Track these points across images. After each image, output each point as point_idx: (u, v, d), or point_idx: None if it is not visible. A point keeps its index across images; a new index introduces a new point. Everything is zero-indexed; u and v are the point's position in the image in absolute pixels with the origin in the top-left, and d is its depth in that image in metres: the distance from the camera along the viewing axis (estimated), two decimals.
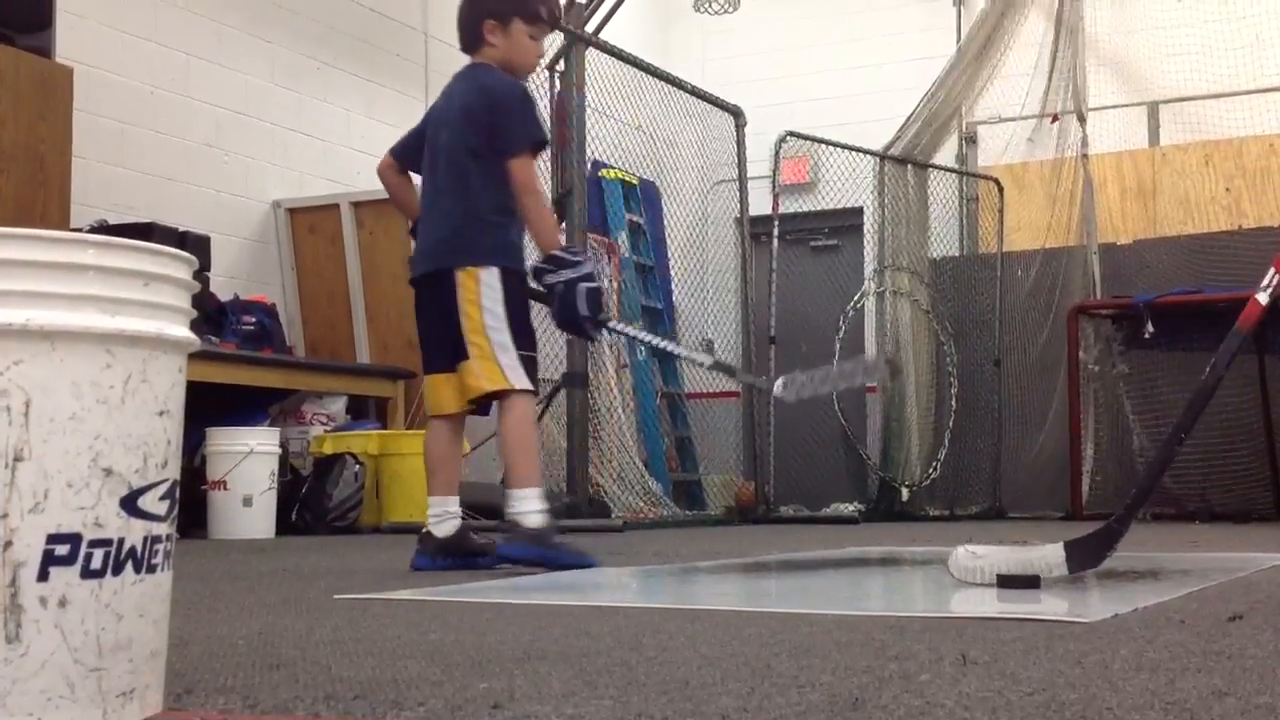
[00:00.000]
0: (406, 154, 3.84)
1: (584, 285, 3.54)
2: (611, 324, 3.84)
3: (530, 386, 3.58)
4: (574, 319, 3.58)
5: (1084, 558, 2.62)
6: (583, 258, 3.67)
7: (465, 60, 3.83)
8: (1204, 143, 9.35)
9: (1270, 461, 8.21)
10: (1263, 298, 2.62)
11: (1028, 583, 2.97)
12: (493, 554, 3.60)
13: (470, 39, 3.76)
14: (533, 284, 3.66)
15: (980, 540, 5.11)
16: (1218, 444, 8.41)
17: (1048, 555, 2.62)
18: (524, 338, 3.60)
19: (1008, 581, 2.96)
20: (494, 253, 3.58)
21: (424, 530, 3.62)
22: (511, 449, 3.58)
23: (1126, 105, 9.63)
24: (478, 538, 3.67)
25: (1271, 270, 2.59)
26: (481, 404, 3.62)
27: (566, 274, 3.54)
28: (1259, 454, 8.30)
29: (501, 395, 3.54)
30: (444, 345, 3.60)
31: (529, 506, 3.52)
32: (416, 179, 3.88)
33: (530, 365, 3.61)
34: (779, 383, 3.69)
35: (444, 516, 3.60)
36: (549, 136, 3.69)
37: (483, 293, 3.53)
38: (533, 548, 3.49)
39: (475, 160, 3.60)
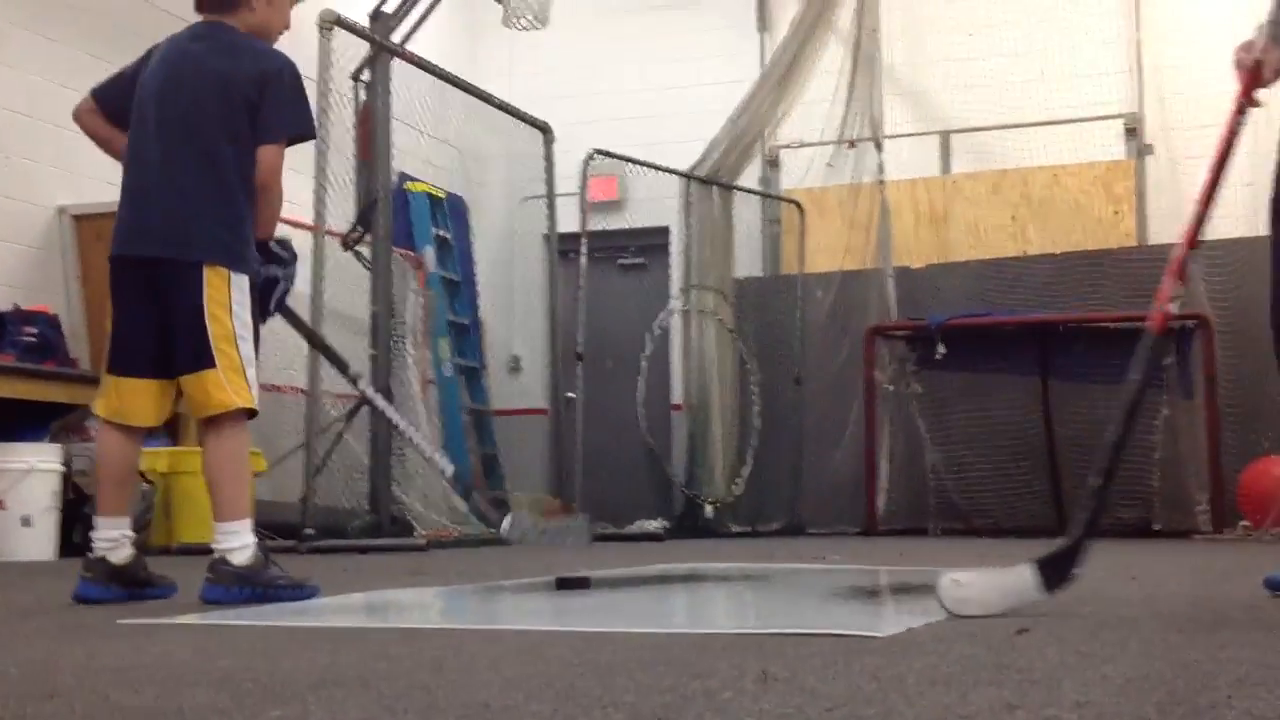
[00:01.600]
0: (112, 102, 3.42)
1: (282, 288, 3.42)
2: (286, 314, 3.60)
3: (257, 409, 3.26)
4: (262, 311, 3.38)
5: (1056, 576, 2.65)
6: (293, 254, 3.47)
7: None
8: (993, 172, 9.75)
9: (1052, 478, 8.59)
10: (1173, 308, 2.71)
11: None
12: (167, 585, 3.31)
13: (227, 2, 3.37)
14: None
15: (781, 556, 5.19)
16: (1004, 462, 8.78)
17: (1023, 578, 2.64)
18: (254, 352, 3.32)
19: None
20: (245, 257, 3.25)
21: (95, 555, 3.21)
22: (230, 476, 3.21)
23: (920, 134, 9.98)
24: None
25: (1169, 278, 2.69)
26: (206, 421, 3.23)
27: (275, 270, 3.38)
28: (1042, 472, 8.67)
29: (232, 413, 3.19)
30: (153, 345, 3.23)
31: (239, 541, 3.16)
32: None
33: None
34: (504, 525, 3.64)
35: (120, 541, 3.23)
36: (315, 131, 3.40)
37: (234, 298, 3.18)
38: (244, 588, 3.11)
39: (232, 143, 3.24)
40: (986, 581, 2.67)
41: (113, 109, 3.42)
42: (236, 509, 3.20)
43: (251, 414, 3.23)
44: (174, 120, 3.28)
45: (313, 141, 6.35)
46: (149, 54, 3.46)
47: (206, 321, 3.15)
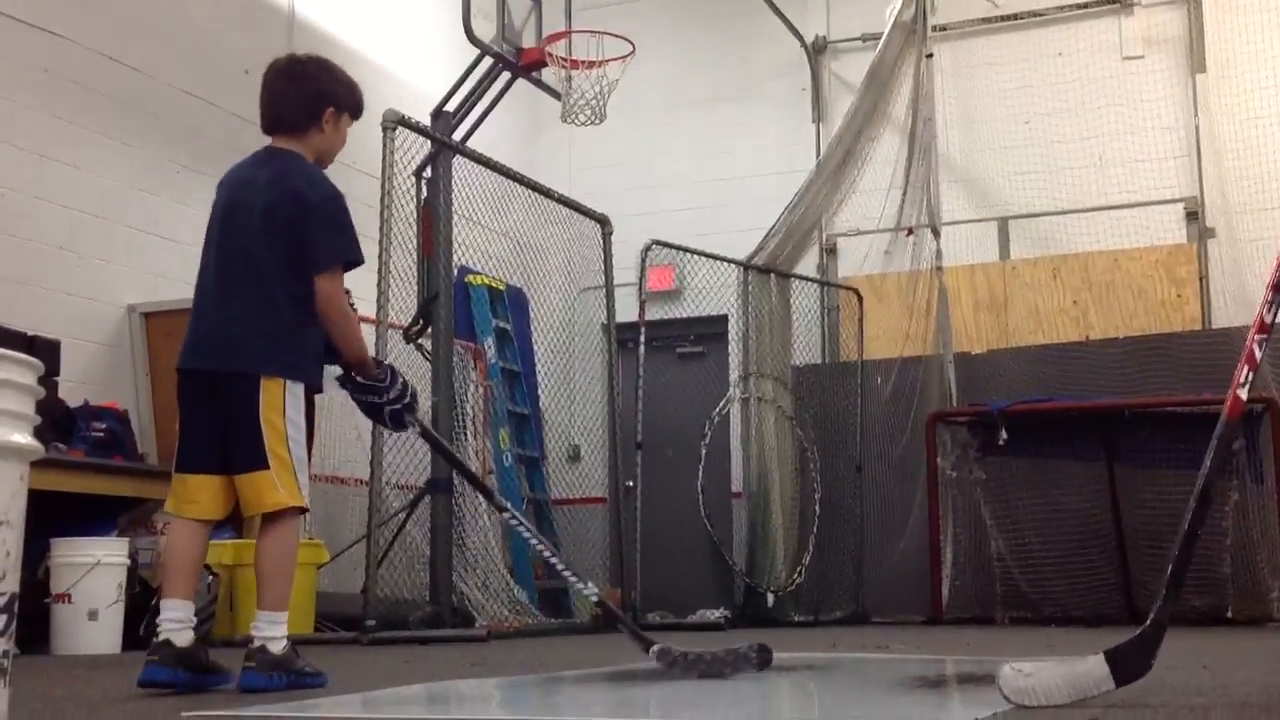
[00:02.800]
0: None
1: (389, 409, 3.55)
2: (419, 429, 3.67)
3: (306, 505, 3.45)
4: (378, 420, 3.65)
5: (1129, 669, 2.56)
6: (389, 381, 3.55)
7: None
8: (1052, 257, 9.72)
9: (1121, 565, 8.44)
10: (1243, 393, 2.67)
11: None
12: (226, 673, 3.39)
13: (302, 119, 3.57)
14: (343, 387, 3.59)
15: (844, 645, 5.13)
16: (1071, 549, 8.63)
17: (1091, 670, 2.57)
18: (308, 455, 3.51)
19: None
20: (302, 367, 3.45)
21: (161, 638, 3.29)
22: (276, 570, 3.39)
23: (978, 220, 9.98)
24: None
25: (1244, 366, 2.66)
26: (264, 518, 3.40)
27: (374, 399, 3.54)
28: (1110, 558, 8.52)
29: (286, 511, 3.38)
30: (215, 445, 3.40)
31: (278, 631, 3.33)
32: None
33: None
34: (654, 651, 3.67)
35: (186, 623, 3.33)
36: (363, 255, 3.54)
37: (289, 403, 3.38)
38: (278, 675, 3.28)
39: (283, 267, 3.42)
40: (1052, 671, 2.60)
41: None
42: (280, 601, 3.38)
43: (302, 511, 3.43)
44: (231, 244, 3.49)
45: (375, 237, 6.57)
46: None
47: (261, 426, 3.35)
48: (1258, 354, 2.68)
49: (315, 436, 3.62)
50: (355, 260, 3.51)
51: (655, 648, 3.62)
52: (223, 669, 3.40)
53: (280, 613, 3.36)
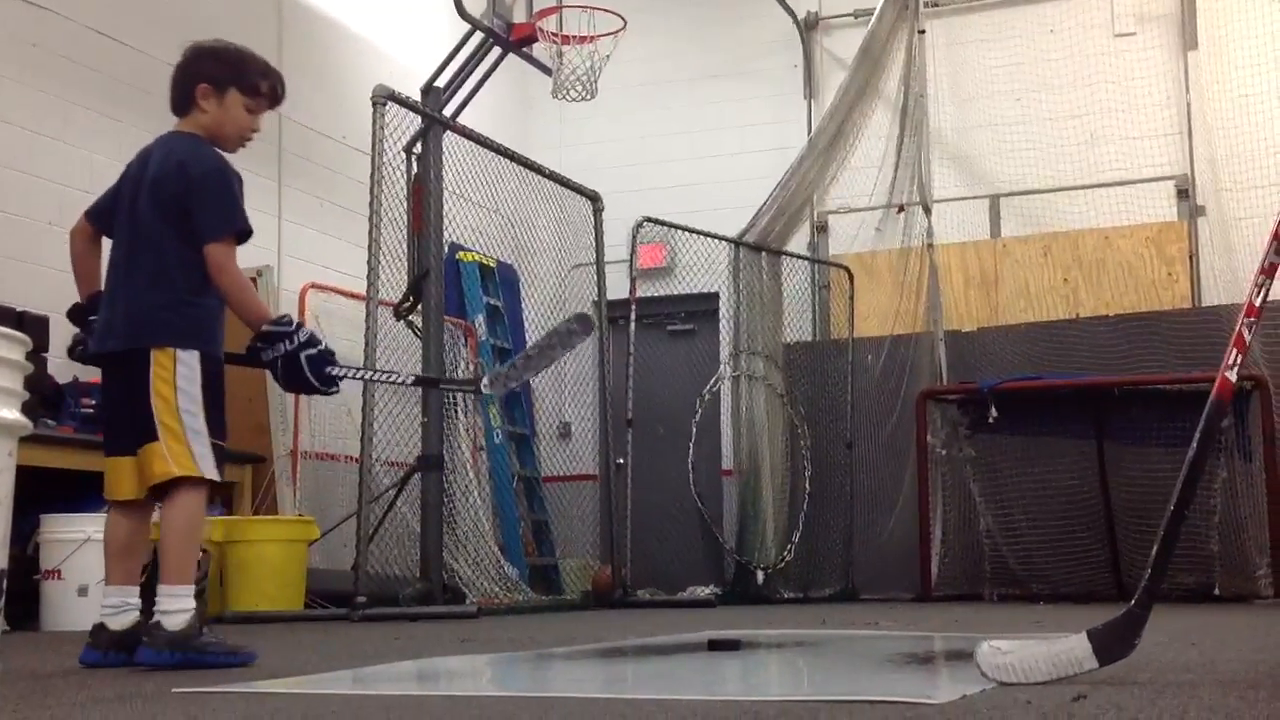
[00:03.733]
0: (103, 218, 3.63)
1: (304, 354, 3.42)
2: (344, 375, 3.52)
3: (216, 477, 3.41)
4: (304, 386, 3.49)
5: (1113, 648, 2.56)
6: (294, 325, 3.47)
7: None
8: (1043, 234, 9.73)
9: (1109, 542, 8.47)
10: (1231, 375, 2.66)
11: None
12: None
13: (181, 101, 3.64)
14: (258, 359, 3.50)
15: (833, 622, 5.15)
16: (1060, 527, 8.67)
17: (1075, 649, 2.56)
18: (217, 425, 3.45)
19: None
20: (193, 335, 3.43)
21: (97, 623, 3.40)
22: (177, 541, 3.35)
23: (969, 198, 9.98)
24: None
25: (1233, 350, 2.66)
26: (160, 491, 3.38)
27: (284, 347, 3.42)
28: (1099, 536, 8.56)
29: (182, 482, 3.34)
30: (128, 426, 3.40)
31: (176, 605, 3.27)
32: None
33: (219, 454, 3.46)
34: (484, 380, 3.71)
35: (121, 608, 3.38)
36: (250, 225, 3.52)
37: (179, 373, 3.37)
38: (175, 652, 3.22)
39: (172, 238, 3.45)
40: (1033, 649, 2.60)
41: (103, 225, 3.64)
42: (180, 574, 3.33)
43: (201, 481, 3.37)
44: (128, 224, 3.53)
45: (365, 214, 6.55)
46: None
47: (152, 399, 3.34)
48: (1246, 337, 2.69)
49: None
50: (242, 229, 3.49)
51: (483, 380, 3.73)
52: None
53: (179, 586, 3.30)
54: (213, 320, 3.51)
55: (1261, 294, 2.69)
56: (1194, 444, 2.63)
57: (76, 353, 3.72)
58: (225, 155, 3.65)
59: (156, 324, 3.41)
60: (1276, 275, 2.72)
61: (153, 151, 3.61)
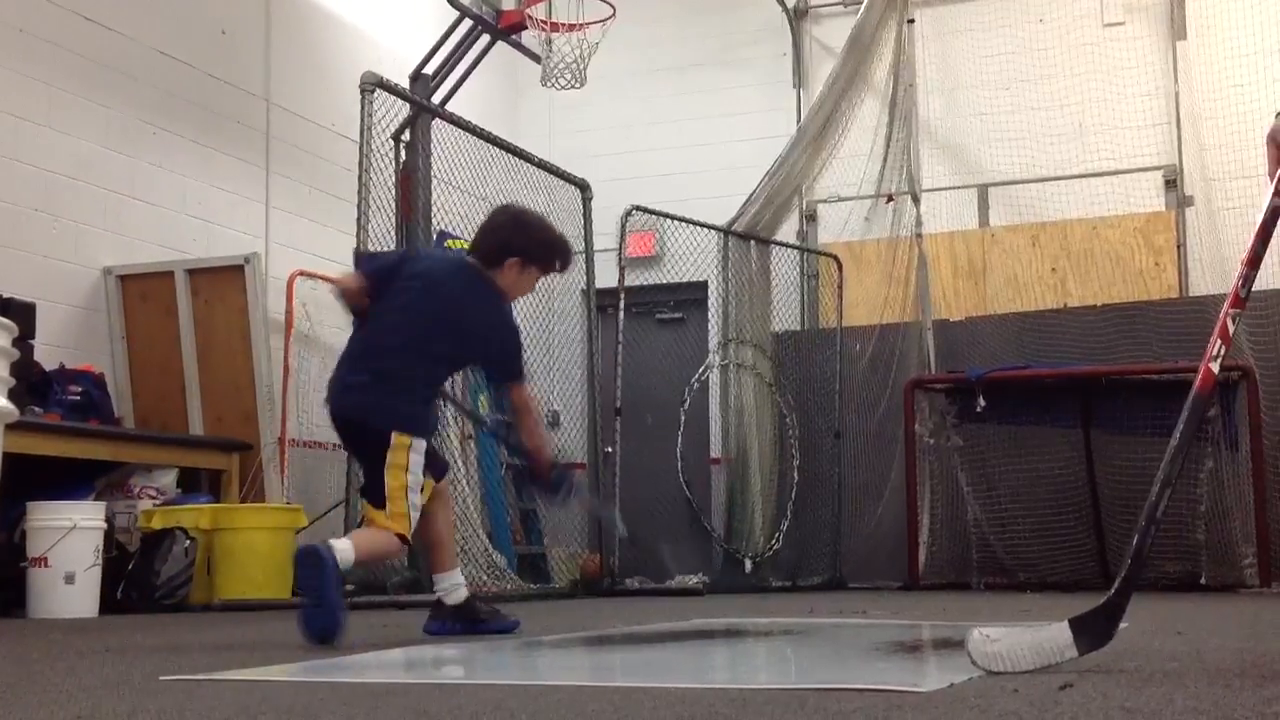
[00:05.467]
0: (379, 283, 4.03)
1: (575, 493, 4.39)
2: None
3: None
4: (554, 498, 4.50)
5: (1093, 637, 2.57)
6: (562, 489, 4.31)
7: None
8: (1031, 224, 9.74)
9: (1096, 531, 8.50)
10: (1215, 366, 2.66)
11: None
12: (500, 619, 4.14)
13: (490, 258, 4.07)
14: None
15: (821, 611, 5.16)
16: (1047, 515, 8.69)
17: (1056, 637, 2.58)
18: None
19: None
20: (426, 427, 3.97)
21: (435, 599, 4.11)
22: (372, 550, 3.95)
23: (958, 187, 9.99)
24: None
25: (1216, 340, 2.66)
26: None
27: (564, 491, 4.33)
28: (1086, 524, 8.58)
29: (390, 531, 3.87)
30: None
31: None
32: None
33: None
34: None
35: (457, 586, 4.09)
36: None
37: (411, 460, 3.84)
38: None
39: (442, 358, 4.03)
40: (1018, 638, 2.61)
41: (374, 292, 4.04)
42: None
43: (404, 539, 3.91)
44: (413, 318, 3.96)
45: (354, 201, 6.54)
46: (415, 255, 4.66)
47: (386, 473, 3.85)
48: (1231, 328, 2.69)
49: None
50: (519, 377, 4.17)
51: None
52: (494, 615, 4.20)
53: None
54: (434, 407, 4.20)
55: (1246, 286, 2.70)
56: (1176, 435, 2.64)
57: None
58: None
59: (398, 411, 3.93)
60: (1262, 265, 2.72)
61: (456, 276, 4.08)
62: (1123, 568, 2.63)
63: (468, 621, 4.05)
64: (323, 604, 3.58)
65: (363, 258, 4.37)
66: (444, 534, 4.18)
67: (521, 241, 4.10)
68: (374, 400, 3.89)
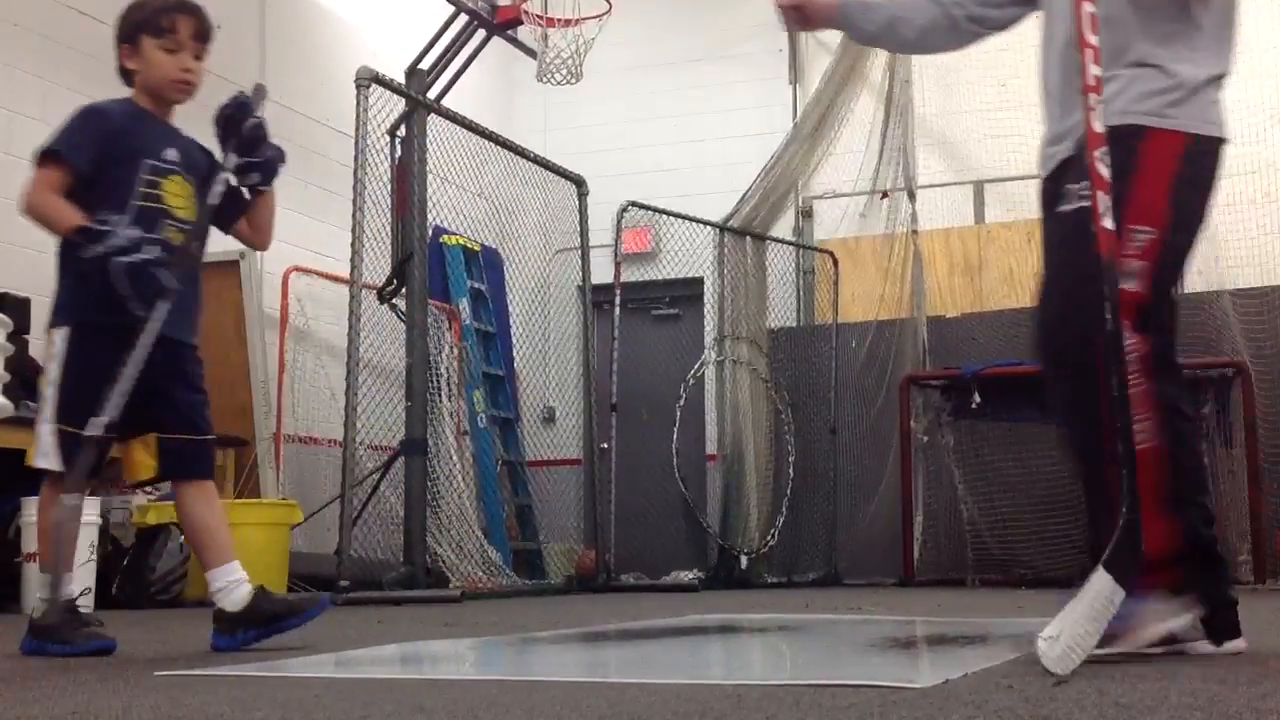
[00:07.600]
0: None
1: (117, 262, 3.07)
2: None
3: (55, 466, 3.17)
4: (118, 301, 3.12)
5: (1126, 567, 2.54)
6: (109, 227, 3.13)
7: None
8: (1027, 221, 9.72)
9: (1090, 527, 8.50)
10: (1107, 223, 2.66)
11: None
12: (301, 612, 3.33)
13: (122, 76, 3.52)
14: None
15: (816, 606, 5.16)
16: (1041, 512, 8.70)
17: (1100, 589, 2.46)
18: (77, 409, 3.13)
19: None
20: (61, 309, 3.31)
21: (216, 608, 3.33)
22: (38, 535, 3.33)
23: (953, 183, 9.98)
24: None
25: (1094, 190, 2.67)
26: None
27: (95, 249, 3.09)
28: (1079, 520, 8.57)
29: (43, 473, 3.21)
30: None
31: (42, 594, 3.27)
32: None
33: (71, 442, 3.13)
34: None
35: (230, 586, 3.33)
36: (58, 146, 3.31)
37: (50, 357, 3.24)
38: (33, 640, 3.24)
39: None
40: (1073, 617, 2.53)
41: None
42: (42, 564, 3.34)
43: (56, 474, 3.19)
44: None
45: (349, 197, 6.52)
46: None
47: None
48: (1102, 172, 2.69)
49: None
50: (44, 149, 3.34)
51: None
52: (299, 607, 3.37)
53: (42, 576, 3.33)
54: (82, 284, 3.22)
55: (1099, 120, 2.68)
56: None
57: None
58: (177, 106, 3.56)
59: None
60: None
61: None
62: (1123, 493, 2.63)
63: (261, 623, 3.29)
64: None
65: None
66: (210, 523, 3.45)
67: (118, 30, 3.49)
68: None
